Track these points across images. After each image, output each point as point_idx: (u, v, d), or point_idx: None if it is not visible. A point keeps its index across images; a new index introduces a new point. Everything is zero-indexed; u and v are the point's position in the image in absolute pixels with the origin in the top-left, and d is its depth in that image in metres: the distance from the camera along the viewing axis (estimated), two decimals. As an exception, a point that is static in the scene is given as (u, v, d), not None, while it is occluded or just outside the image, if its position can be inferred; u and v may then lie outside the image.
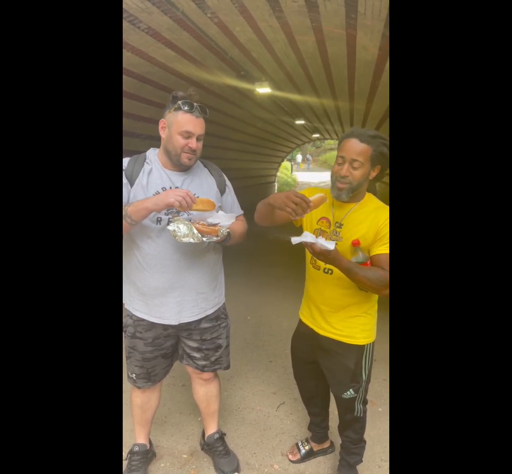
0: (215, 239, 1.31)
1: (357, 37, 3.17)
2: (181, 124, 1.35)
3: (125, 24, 3.01)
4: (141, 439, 1.76)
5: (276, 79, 5.24)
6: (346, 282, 1.35)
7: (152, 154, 1.48)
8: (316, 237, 1.21)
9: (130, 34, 3.21)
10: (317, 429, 1.85)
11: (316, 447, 1.89)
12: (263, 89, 5.35)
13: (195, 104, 1.35)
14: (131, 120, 4.83)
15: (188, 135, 1.36)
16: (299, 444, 1.91)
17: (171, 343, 1.60)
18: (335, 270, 1.34)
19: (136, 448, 1.73)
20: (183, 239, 1.27)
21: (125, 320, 1.57)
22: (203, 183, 1.49)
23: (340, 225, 1.38)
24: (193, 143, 1.37)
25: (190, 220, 1.36)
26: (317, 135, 13.48)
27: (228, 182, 1.61)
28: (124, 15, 2.88)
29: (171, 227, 1.28)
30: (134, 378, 1.61)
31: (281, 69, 4.79)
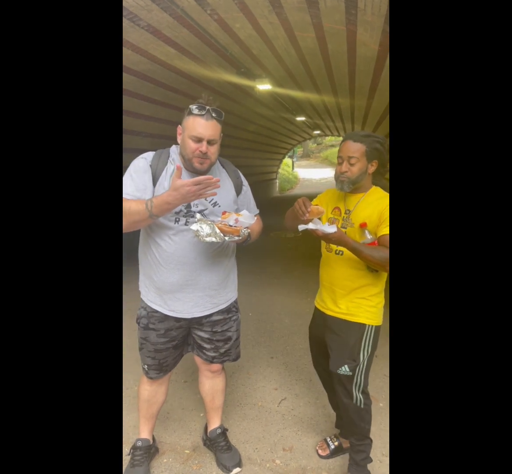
0: (237, 238, 1.35)
1: (357, 33, 3.16)
2: (191, 127, 1.35)
3: (125, 22, 3.01)
4: (145, 434, 1.78)
5: (276, 76, 5.23)
6: (356, 263, 1.52)
7: (175, 152, 1.49)
8: (331, 224, 1.44)
9: (130, 32, 3.21)
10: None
11: (345, 444, 1.85)
12: (264, 86, 5.35)
13: (207, 107, 1.35)
14: (132, 118, 4.83)
15: (198, 139, 1.35)
16: (328, 439, 1.90)
17: (183, 335, 1.65)
18: (346, 251, 1.52)
19: (139, 443, 1.75)
20: (206, 239, 1.31)
21: (139, 312, 1.61)
22: (221, 189, 1.49)
23: (350, 212, 1.59)
24: (203, 147, 1.35)
25: (212, 221, 1.39)
26: (318, 131, 13.46)
27: (244, 182, 1.63)
28: (124, 13, 2.88)
29: (194, 227, 1.31)
30: (146, 369, 1.66)
31: (282, 66, 4.79)
